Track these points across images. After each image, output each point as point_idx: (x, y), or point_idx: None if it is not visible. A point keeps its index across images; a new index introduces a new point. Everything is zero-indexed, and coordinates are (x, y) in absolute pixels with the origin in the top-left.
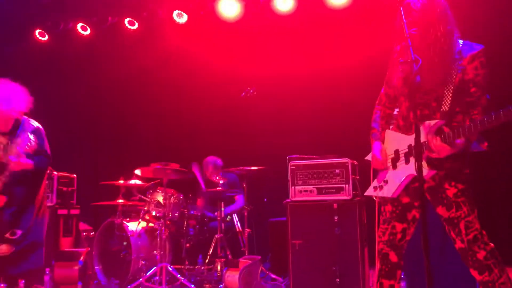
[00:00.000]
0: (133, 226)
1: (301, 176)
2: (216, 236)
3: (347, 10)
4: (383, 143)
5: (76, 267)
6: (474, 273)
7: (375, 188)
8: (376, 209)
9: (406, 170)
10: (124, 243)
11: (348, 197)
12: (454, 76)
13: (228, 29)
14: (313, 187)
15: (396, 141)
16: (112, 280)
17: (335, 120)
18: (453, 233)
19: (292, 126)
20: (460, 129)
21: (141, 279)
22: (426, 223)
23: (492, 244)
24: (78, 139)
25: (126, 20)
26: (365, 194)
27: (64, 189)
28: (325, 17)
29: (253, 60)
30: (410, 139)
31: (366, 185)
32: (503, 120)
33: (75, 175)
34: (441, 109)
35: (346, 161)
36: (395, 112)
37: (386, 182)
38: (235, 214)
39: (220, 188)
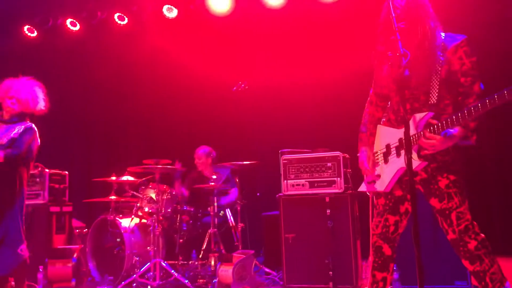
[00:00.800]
0: (126, 222)
1: (293, 170)
2: (209, 231)
3: (339, 3)
4: (370, 148)
5: (70, 264)
6: (466, 263)
7: (368, 183)
8: (370, 202)
9: (397, 163)
10: (118, 240)
11: (340, 190)
12: (440, 69)
13: (219, 23)
14: (305, 181)
15: (387, 135)
16: (106, 277)
17: (326, 113)
18: (445, 224)
19: (284, 120)
20: (449, 120)
21: (135, 275)
22: (417, 215)
23: (482, 235)
24: (69, 136)
25: (116, 15)
26: (359, 190)
27: (56, 186)
28: (317, 12)
29: (245, 54)
30: (401, 133)
31: (358, 178)
32: (494, 105)
33: (67, 172)
34: (429, 102)
35: (338, 154)
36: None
37: (378, 176)
38: (228, 209)
39: (213, 183)
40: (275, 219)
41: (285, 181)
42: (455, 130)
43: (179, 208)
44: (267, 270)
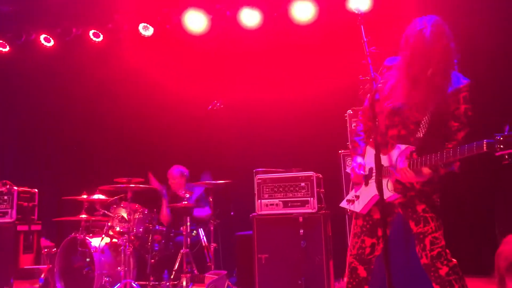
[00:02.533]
0: (97, 242)
1: (267, 189)
2: (181, 251)
3: (314, 25)
4: (364, 157)
5: (37, 285)
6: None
7: (348, 201)
8: (347, 220)
9: (374, 189)
10: (87, 259)
11: (313, 210)
12: (438, 106)
13: (195, 42)
14: (279, 201)
15: (372, 158)
16: None
17: (301, 133)
18: (419, 248)
19: (258, 139)
20: (428, 158)
21: None
22: (387, 240)
23: (454, 260)
24: (39, 153)
25: (91, 32)
26: (340, 205)
27: (25, 204)
28: (292, 32)
29: (220, 73)
30: (384, 159)
31: (331, 198)
32: (467, 155)
33: (36, 190)
34: (416, 135)
35: (311, 174)
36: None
37: (357, 197)
38: (201, 229)
39: (186, 202)
40: (249, 239)
41: (259, 200)
42: (427, 170)
43: (151, 227)
44: None
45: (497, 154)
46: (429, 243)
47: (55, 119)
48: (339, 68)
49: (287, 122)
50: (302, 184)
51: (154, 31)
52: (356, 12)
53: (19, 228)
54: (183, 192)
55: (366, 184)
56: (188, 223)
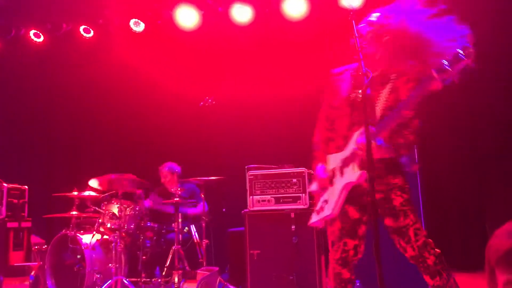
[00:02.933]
0: (87, 238)
1: (259, 185)
2: (173, 247)
3: (305, 21)
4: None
5: (27, 282)
6: (427, 278)
7: (317, 212)
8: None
9: (342, 181)
10: (78, 256)
11: (305, 206)
12: (388, 96)
13: (186, 38)
14: (271, 197)
15: (334, 161)
16: None
17: (292, 130)
18: (402, 242)
19: (250, 136)
20: (385, 121)
21: None
22: (378, 229)
23: (438, 250)
24: (29, 149)
25: (81, 27)
26: (309, 224)
27: (15, 201)
28: (284, 29)
29: (212, 69)
30: (344, 153)
31: None
32: (421, 94)
33: (26, 187)
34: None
35: (303, 170)
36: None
37: (326, 201)
38: (193, 225)
39: (178, 198)
40: (241, 235)
41: (251, 196)
42: (382, 142)
43: (142, 224)
44: (231, 287)
45: (448, 76)
46: (414, 234)
47: (45, 115)
48: (329, 64)
49: (279, 118)
50: (294, 180)
51: (145, 26)
52: (348, 8)
53: (9, 225)
54: (176, 188)
55: (332, 184)
56: (180, 220)
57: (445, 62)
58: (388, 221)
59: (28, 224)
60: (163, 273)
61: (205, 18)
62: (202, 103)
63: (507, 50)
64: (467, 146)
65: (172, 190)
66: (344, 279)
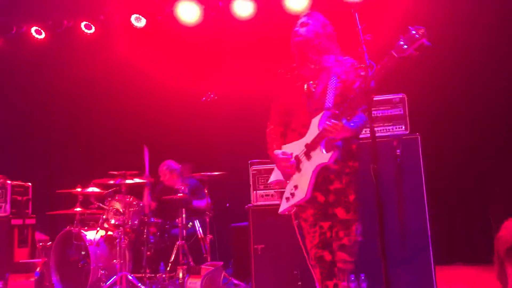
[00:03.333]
0: (92, 235)
1: (262, 180)
2: (177, 243)
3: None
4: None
5: (32, 279)
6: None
7: (287, 199)
8: (294, 223)
9: (311, 165)
10: (83, 253)
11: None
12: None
13: (188, 33)
14: (274, 191)
15: (293, 150)
16: None
17: None
18: (342, 233)
19: (253, 130)
20: (348, 103)
21: None
22: (383, 224)
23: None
24: (32, 146)
25: (83, 23)
26: (280, 212)
27: (19, 198)
28: (286, 22)
29: (214, 64)
30: (305, 141)
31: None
32: (383, 72)
33: (30, 184)
34: (326, 106)
35: None
36: None
37: (296, 187)
38: (197, 220)
39: (181, 194)
40: (244, 230)
41: (255, 191)
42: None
43: (146, 220)
44: (236, 282)
45: (406, 54)
46: (355, 229)
47: (48, 112)
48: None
49: None
50: None
51: (147, 22)
52: (351, 1)
53: (14, 222)
54: (179, 185)
55: (299, 170)
56: (184, 215)
57: (402, 42)
58: (339, 211)
59: (32, 221)
60: (168, 269)
61: (206, 13)
62: (204, 98)
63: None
64: (471, 138)
65: (176, 186)
66: (327, 262)
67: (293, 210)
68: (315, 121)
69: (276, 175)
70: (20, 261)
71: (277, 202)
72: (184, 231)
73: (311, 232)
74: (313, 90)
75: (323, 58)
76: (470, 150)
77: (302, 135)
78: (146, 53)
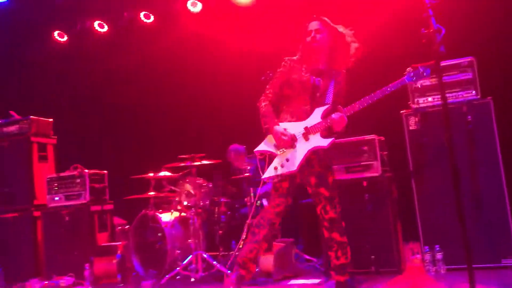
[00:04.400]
0: (166, 217)
1: (330, 155)
2: (247, 221)
3: None
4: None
5: (115, 261)
6: (336, 235)
7: (275, 168)
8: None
9: (307, 145)
10: (159, 234)
11: (378, 174)
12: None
13: (243, 14)
14: (341, 166)
15: (294, 129)
16: (150, 271)
17: (359, 96)
18: (328, 207)
19: None
20: (355, 105)
21: (178, 268)
22: (460, 194)
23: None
24: (105, 136)
25: (142, 13)
26: (263, 177)
27: (96, 186)
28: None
29: (270, 44)
30: (306, 123)
31: (395, 160)
32: (390, 91)
33: (105, 172)
34: (326, 101)
35: (373, 137)
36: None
37: (287, 160)
38: (265, 199)
39: (248, 173)
40: (313, 207)
41: None
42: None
43: (216, 200)
44: (307, 257)
45: (412, 82)
46: (337, 203)
47: (116, 103)
48: (396, 24)
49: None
50: (364, 148)
51: (203, 6)
52: None
53: (93, 208)
54: (245, 165)
55: (293, 146)
56: (252, 194)
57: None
58: (323, 190)
59: (110, 207)
60: (240, 247)
61: None
62: (263, 77)
63: None
64: None
65: (243, 167)
66: (276, 228)
67: (276, 179)
68: (319, 110)
69: (265, 146)
70: (102, 245)
71: (345, 177)
72: (253, 209)
73: (278, 200)
74: (318, 85)
75: (329, 64)
76: None
77: (300, 118)
78: (204, 36)
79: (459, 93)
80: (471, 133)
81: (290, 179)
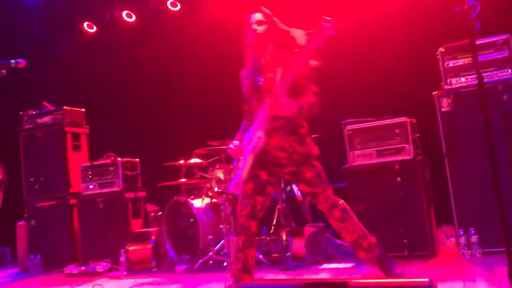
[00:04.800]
0: (198, 203)
1: (358, 140)
2: (278, 206)
3: None
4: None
5: (149, 247)
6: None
7: (233, 180)
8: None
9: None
10: (191, 220)
11: (410, 157)
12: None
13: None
14: (372, 150)
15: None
16: (183, 256)
17: (389, 77)
18: (323, 200)
19: (345, 90)
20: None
21: (210, 253)
22: (497, 174)
23: None
24: (136, 125)
25: (169, 2)
26: (227, 191)
27: (129, 173)
28: None
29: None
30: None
31: (428, 143)
32: None
33: (138, 160)
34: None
35: (404, 120)
36: None
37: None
38: (294, 184)
39: None
40: (343, 191)
41: (351, 152)
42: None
43: None
44: (339, 242)
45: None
46: (325, 197)
47: (145, 92)
48: (427, 2)
49: (375, 66)
50: (396, 131)
51: None
52: None
53: (127, 195)
54: None
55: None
56: (282, 179)
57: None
58: (302, 187)
59: (143, 194)
60: (271, 232)
61: None
62: None
63: None
64: None
65: None
66: (253, 232)
67: (238, 189)
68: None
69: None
70: (136, 231)
71: (376, 161)
72: (283, 195)
73: (245, 202)
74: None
75: None
76: None
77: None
78: (231, 22)
79: (494, 72)
80: (507, 113)
81: (254, 178)
